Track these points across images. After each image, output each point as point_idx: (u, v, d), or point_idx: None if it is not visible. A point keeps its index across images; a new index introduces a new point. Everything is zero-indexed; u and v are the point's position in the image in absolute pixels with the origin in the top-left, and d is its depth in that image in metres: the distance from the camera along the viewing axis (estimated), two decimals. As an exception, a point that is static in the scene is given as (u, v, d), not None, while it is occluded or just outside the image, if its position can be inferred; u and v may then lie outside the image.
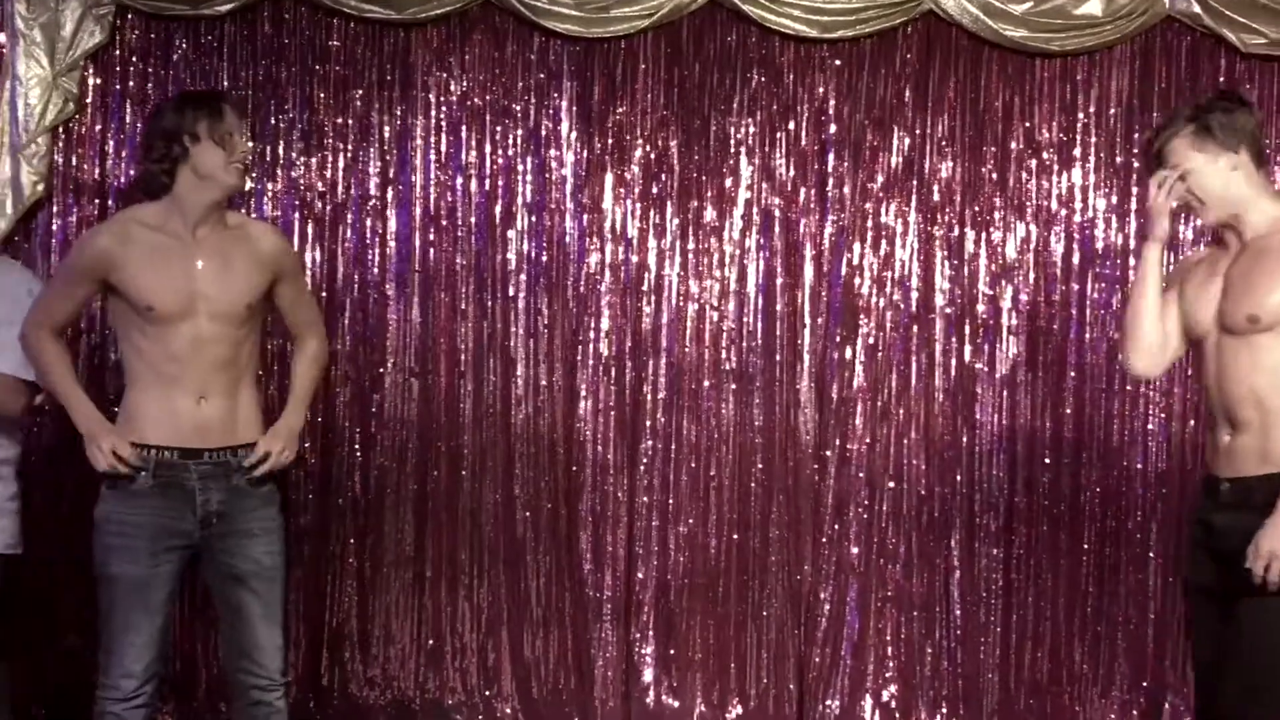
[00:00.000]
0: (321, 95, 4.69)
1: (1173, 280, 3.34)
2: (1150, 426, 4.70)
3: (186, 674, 4.62)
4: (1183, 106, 3.48)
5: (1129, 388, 4.69)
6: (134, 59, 4.68)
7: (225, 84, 4.67)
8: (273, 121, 4.69)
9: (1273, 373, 2.96)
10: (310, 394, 3.53)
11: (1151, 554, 4.70)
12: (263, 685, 3.29)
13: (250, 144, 3.69)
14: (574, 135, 4.71)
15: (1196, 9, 4.58)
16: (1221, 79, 4.68)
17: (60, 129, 4.62)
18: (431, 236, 4.72)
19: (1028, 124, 4.71)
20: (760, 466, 4.65)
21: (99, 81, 4.67)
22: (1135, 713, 4.67)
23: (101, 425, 3.21)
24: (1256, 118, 3.22)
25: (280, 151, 4.67)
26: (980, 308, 4.73)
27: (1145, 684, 4.69)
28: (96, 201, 4.68)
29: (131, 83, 4.69)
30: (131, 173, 4.64)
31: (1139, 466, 4.70)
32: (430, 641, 4.70)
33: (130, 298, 3.16)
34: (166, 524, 3.17)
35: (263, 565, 3.28)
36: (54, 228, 4.66)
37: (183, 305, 3.16)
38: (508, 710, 4.69)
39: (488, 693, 4.70)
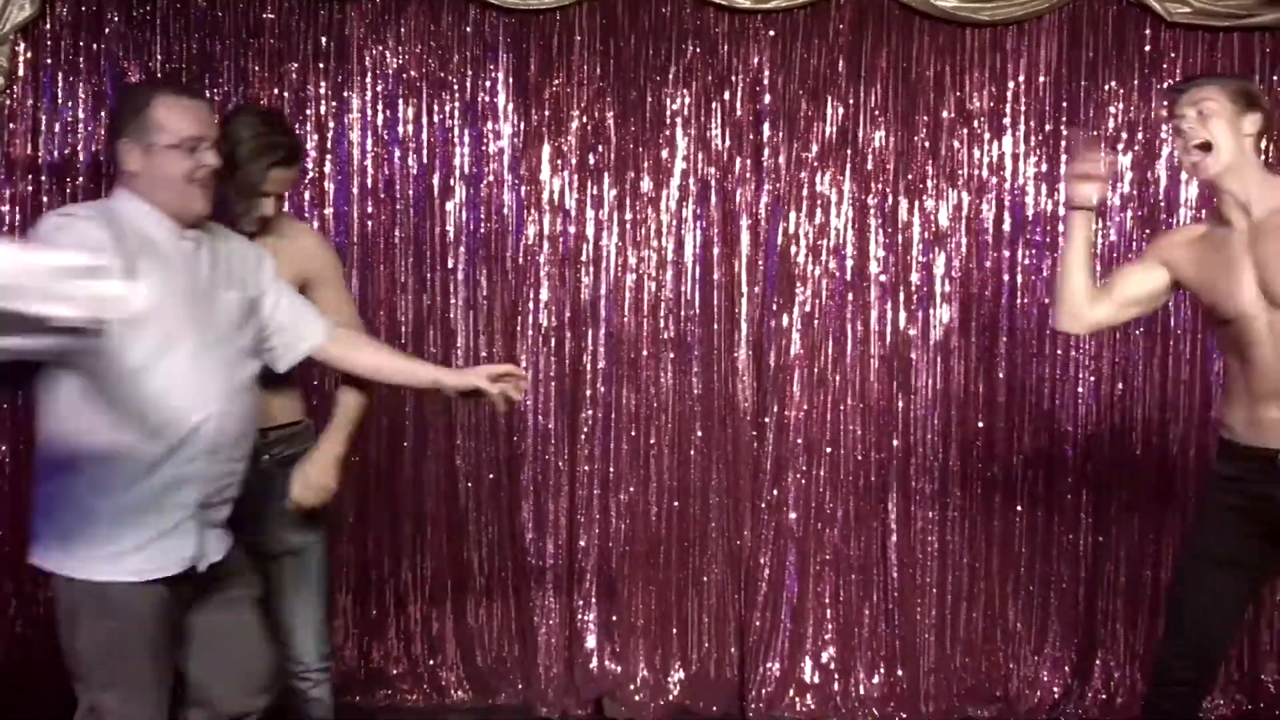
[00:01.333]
0: (256, 69, 4.58)
1: (1152, 254, 3.35)
2: (1080, 390, 4.69)
3: None
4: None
5: (1059, 352, 4.68)
6: (65, 32, 4.55)
7: (158, 58, 4.55)
8: (207, 95, 4.50)
9: None
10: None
11: (1083, 514, 4.71)
12: (298, 674, 3.36)
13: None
14: (510, 107, 4.62)
15: None
16: (1148, 48, 4.66)
17: None
18: (369, 209, 4.63)
19: (959, 93, 4.67)
20: (699, 434, 4.61)
21: (29, 55, 4.53)
22: (1067, 669, 4.70)
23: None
24: (1270, 105, 3.29)
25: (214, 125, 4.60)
26: (914, 275, 4.69)
27: (1076, 641, 4.72)
28: (29, 177, 4.54)
29: (63, 56, 4.55)
30: (64, 148, 4.53)
31: (1069, 429, 4.69)
32: (374, 612, 4.65)
33: None
34: None
35: (292, 544, 3.31)
36: None
37: None
38: (452, 679, 4.66)
39: (431, 662, 4.66)
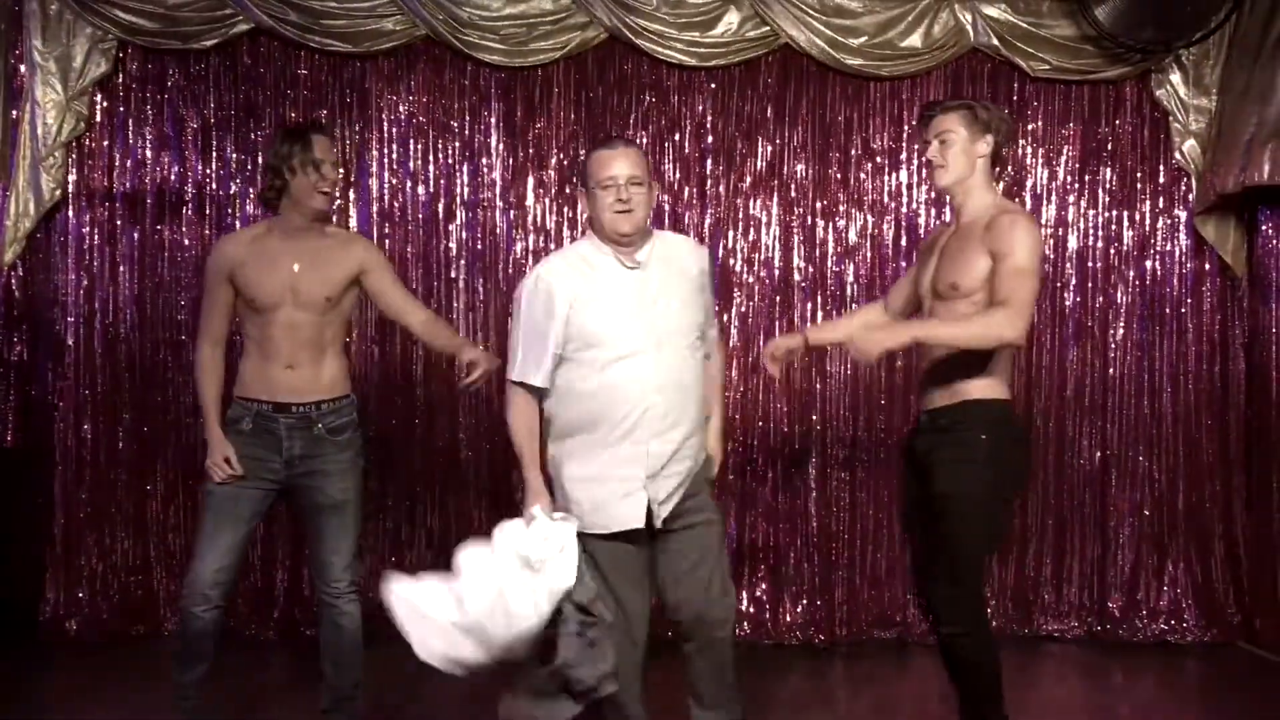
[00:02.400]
0: (292, 115, 5.21)
1: (920, 251, 3.87)
2: None
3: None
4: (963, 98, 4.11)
5: None
6: (134, 86, 5.20)
7: (211, 106, 5.19)
8: (252, 138, 5.22)
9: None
10: (451, 334, 4.12)
11: None
12: (332, 594, 3.76)
13: (338, 170, 4.10)
14: (501, 146, 5.28)
15: (995, 42, 5.34)
16: (1015, 97, 5.43)
17: (73, 144, 5.14)
18: (386, 230, 5.28)
19: (864, 134, 5.37)
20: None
21: (105, 105, 5.18)
22: None
23: (221, 442, 3.66)
24: (1011, 127, 3.71)
25: (259, 161, 5.15)
26: (829, 281, 5.38)
27: None
28: (105, 204, 5.19)
29: (133, 105, 5.20)
30: (134, 181, 5.19)
31: None
32: (392, 558, 5.25)
33: (243, 292, 3.71)
34: (259, 459, 3.68)
35: (335, 499, 3.71)
36: (70, 227, 5.19)
37: (277, 297, 3.68)
38: None
39: None
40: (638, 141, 5.34)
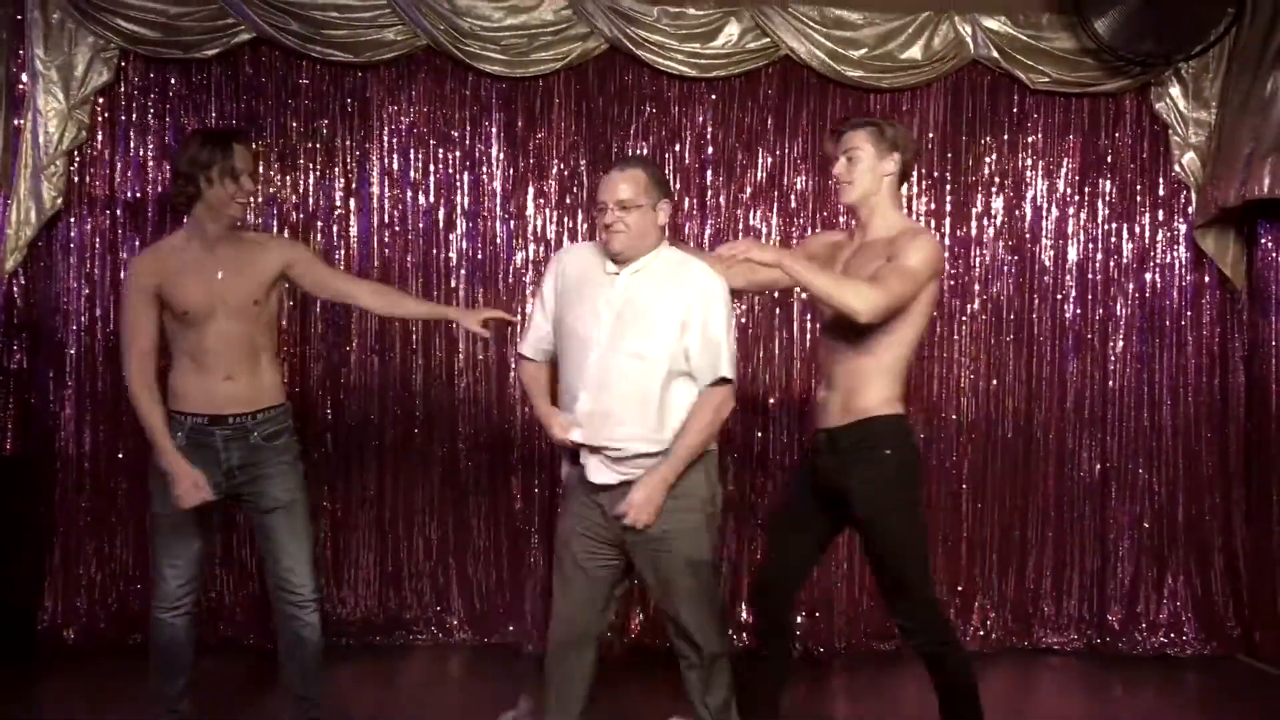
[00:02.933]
0: (294, 124, 5.21)
1: (800, 248, 3.88)
2: (963, 384, 5.43)
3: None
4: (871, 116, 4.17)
5: (946, 355, 5.41)
6: (136, 95, 5.18)
7: (213, 116, 5.18)
8: (254, 146, 4.97)
9: (860, 342, 3.51)
10: (415, 300, 4.37)
11: (964, 485, 5.44)
12: (295, 604, 3.74)
13: (257, 182, 4.05)
14: (502, 156, 5.27)
15: (995, 54, 5.35)
16: (1015, 110, 5.44)
17: (75, 153, 5.12)
18: (387, 239, 5.27)
19: None
20: None
21: (107, 113, 5.17)
22: (952, 611, 5.35)
23: (186, 468, 3.58)
24: (917, 146, 3.74)
25: (260, 169, 5.12)
26: None
27: (960, 588, 5.41)
28: (106, 212, 5.18)
29: (134, 114, 5.18)
30: (135, 190, 5.17)
31: (954, 416, 5.43)
32: (390, 568, 5.30)
33: (171, 306, 3.65)
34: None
35: (281, 500, 3.70)
36: (71, 235, 5.17)
37: (208, 307, 3.64)
38: (455, 622, 5.30)
39: (439, 608, 5.31)
40: (638, 151, 5.35)
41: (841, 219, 5.39)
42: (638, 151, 5.37)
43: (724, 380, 3.50)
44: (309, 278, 3.88)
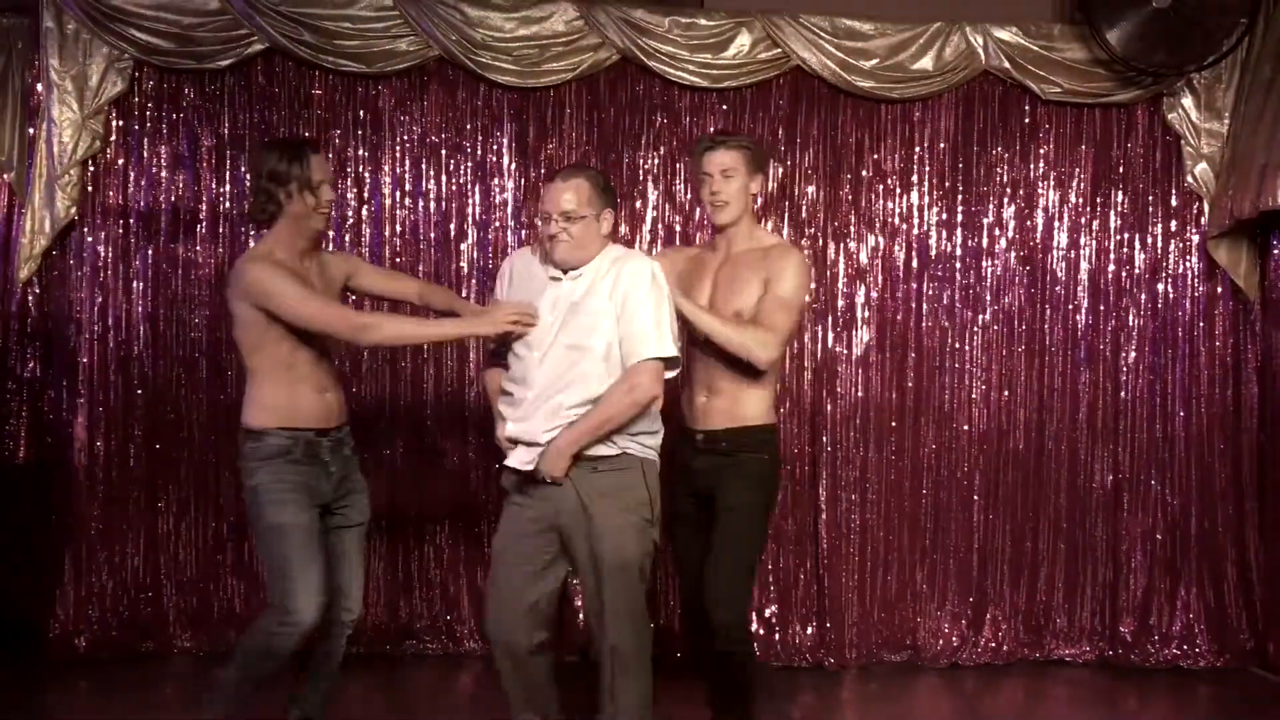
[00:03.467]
0: (306, 134, 5.18)
1: (657, 258, 3.89)
2: (974, 396, 5.42)
3: (203, 606, 5.23)
4: (739, 134, 4.30)
5: (957, 366, 5.40)
6: (150, 105, 5.19)
7: (225, 126, 5.20)
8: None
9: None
10: (448, 294, 4.28)
11: (976, 497, 5.41)
12: (345, 621, 3.79)
13: (334, 188, 3.98)
14: (513, 167, 5.28)
15: (1006, 65, 5.35)
16: (1027, 120, 5.43)
17: (89, 162, 5.13)
18: (398, 248, 5.27)
19: (875, 156, 5.36)
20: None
21: (121, 123, 5.18)
22: (964, 622, 5.38)
23: (479, 311, 3.83)
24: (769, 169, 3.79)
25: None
26: (840, 303, 5.37)
27: (971, 599, 5.40)
28: (120, 221, 5.19)
29: (148, 124, 5.19)
30: (149, 199, 5.17)
31: (965, 428, 5.42)
32: (401, 577, 5.30)
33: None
34: (314, 485, 3.65)
35: (364, 516, 3.83)
36: (85, 243, 5.17)
37: None
38: (465, 631, 5.28)
39: (449, 617, 5.31)
40: (650, 161, 5.34)
41: (852, 229, 5.43)
42: (649, 162, 5.37)
43: (649, 361, 3.50)
44: (368, 282, 4.01)
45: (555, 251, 3.53)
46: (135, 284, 5.26)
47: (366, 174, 5.31)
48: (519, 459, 3.58)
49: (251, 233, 5.23)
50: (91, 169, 5.20)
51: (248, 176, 3.69)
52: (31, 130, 5.18)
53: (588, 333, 3.51)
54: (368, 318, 3.84)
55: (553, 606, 3.68)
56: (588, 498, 3.49)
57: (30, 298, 5.30)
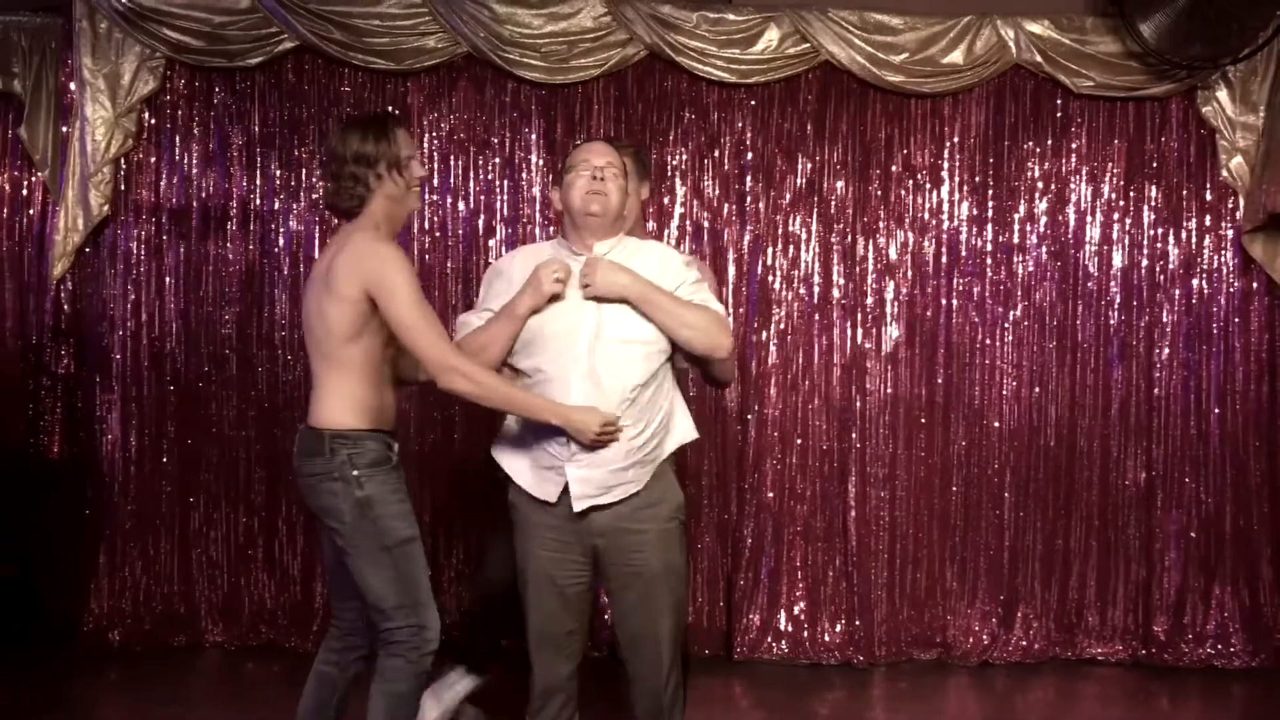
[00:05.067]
0: (390, 109, 5.12)
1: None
2: (1004, 392, 5.36)
3: (234, 600, 5.25)
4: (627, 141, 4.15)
5: (986, 362, 5.34)
6: (181, 103, 5.23)
7: (256, 124, 5.23)
8: (296, 153, 5.25)
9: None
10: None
11: (1006, 494, 5.35)
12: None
13: (422, 163, 3.72)
14: (541, 163, 5.26)
15: (1039, 59, 5.29)
16: (1059, 114, 5.37)
17: (121, 160, 5.18)
18: (426, 245, 5.27)
19: (905, 151, 5.33)
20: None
21: (153, 121, 5.22)
22: (994, 621, 5.33)
23: (579, 409, 3.07)
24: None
25: (303, 177, 5.23)
26: (869, 299, 5.33)
27: (1002, 597, 5.34)
28: (152, 219, 5.23)
29: (180, 122, 5.24)
30: (180, 197, 5.19)
31: (996, 424, 5.36)
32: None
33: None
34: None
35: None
36: (117, 240, 5.22)
37: None
38: None
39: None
40: (678, 158, 5.32)
41: (881, 224, 5.40)
42: (676, 158, 5.35)
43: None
44: None
45: (591, 204, 3.17)
46: (167, 280, 5.31)
47: (395, 171, 5.30)
48: (584, 493, 3.15)
49: (286, 228, 5.23)
50: (124, 166, 5.25)
51: (325, 162, 3.22)
52: (65, 128, 5.22)
53: (635, 321, 3.14)
54: (466, 366, 3.10)
55: (585, 634, 3.35)
56: (626, 512, 3.17)
57: (64, 294, 5.35)
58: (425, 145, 5.32)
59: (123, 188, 5.24)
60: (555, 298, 3.17)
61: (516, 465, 3.26)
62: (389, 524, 3.17)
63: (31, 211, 5.50)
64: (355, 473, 3.15)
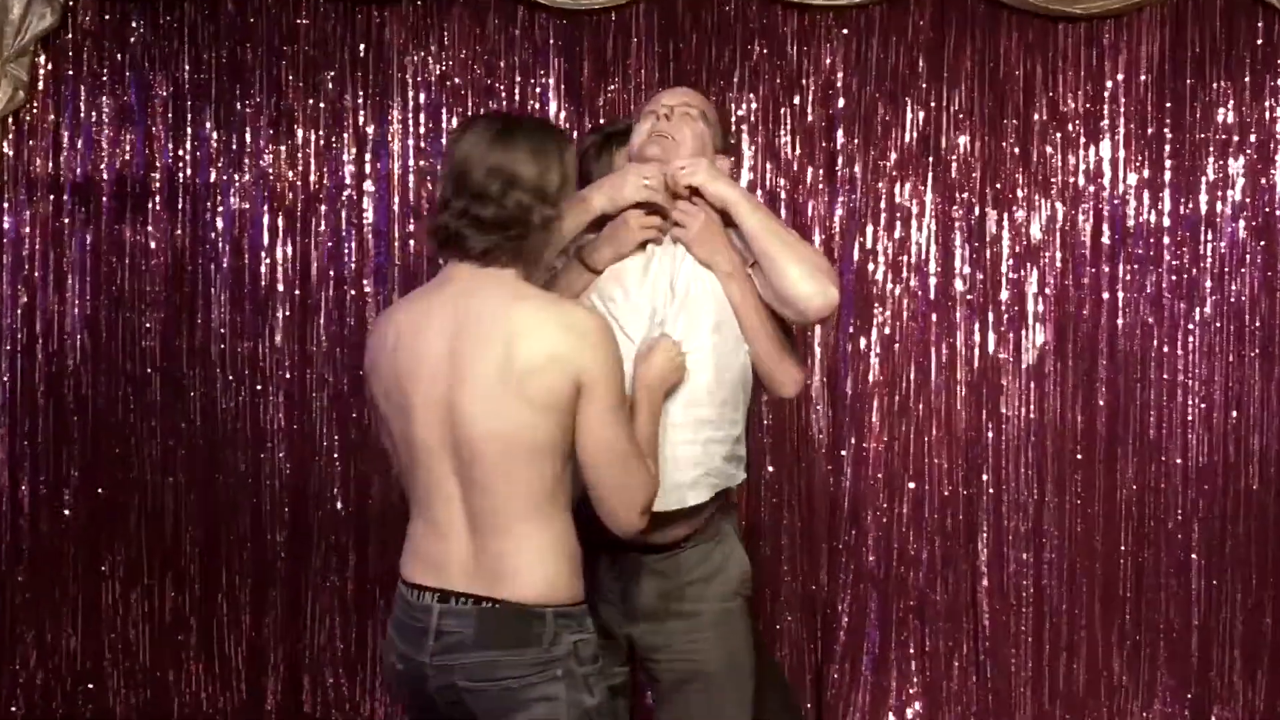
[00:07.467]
0: (290, 78, 4.54)
1: None
2: (1190, 418, 4.46)
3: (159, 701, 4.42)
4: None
5: (1166, 377, 4.49)
6: (87, 43, 4.58)
7: (186, 68, 4.52)
8: (238, 107, 4.55)
9: None
10: None
11: (1194, 555, 4.47)
12: None
13: None
14: (562, 116, 4.53)
15: None
16: (1260, 41, 4.40)
17: (9, 119, 4.54)
18: (411, 228, 4.57)
19: (1051, 94, 4.51)
20: (770, 469, 4.40)
21: (50, 68, 4.57)
22: None
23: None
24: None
25: (247, 139, 4.55)
26: (1004, 294, 4.53)
27: (1190, 695, 4.45)
28: (50, 197, 4.56)
29: (85, 69, 4.57)
30: (86, 167, 4.54)
31: (1178, 461, 4.48)
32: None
33: None
34: None
35: None
36: (3, 225, 4.53)
37: None
38: None
39: None
40: (744, 107, 4.51)
41: (1019, 192, 4.58)
42: (743, 108, 4.50)
43: None
44: None
45: (649, 148, 2.81)
46: (70, 278, 4.66)
47: (369, 129, 4.56)
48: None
49: (225, 206, 4.48)
50: (12, 128, 4.56)
51: (504, 191, 2.32)
52: (-65, 77, 4.54)
53: (698, 316, 2.77)
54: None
55: None
56: (671, 589, 2.80)
57: (-67, 299, 4.69)
58: (408, 94, 4.58)
59: (10, 156, 4.55)
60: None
61: None
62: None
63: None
64: (580, 671, 2.39)
